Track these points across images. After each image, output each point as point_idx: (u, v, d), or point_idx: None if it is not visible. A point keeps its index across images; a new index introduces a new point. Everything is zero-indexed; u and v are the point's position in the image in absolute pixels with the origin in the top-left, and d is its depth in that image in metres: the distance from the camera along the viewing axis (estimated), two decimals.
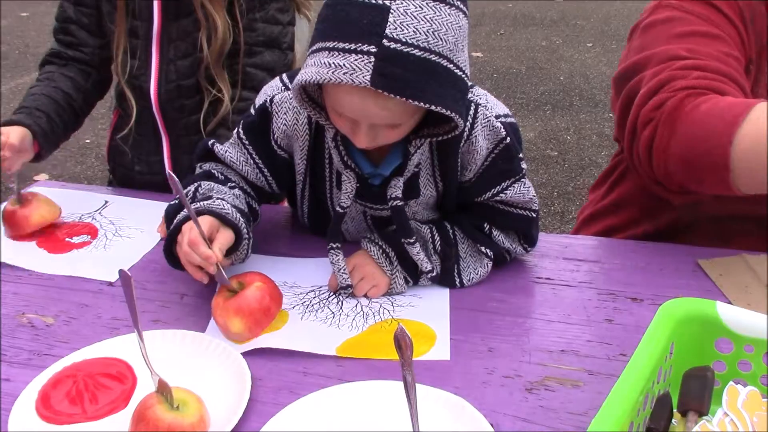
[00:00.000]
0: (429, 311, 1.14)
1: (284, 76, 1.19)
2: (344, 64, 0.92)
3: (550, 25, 6.49)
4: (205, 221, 1.07)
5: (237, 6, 1.47)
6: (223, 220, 1.10)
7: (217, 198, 1.13)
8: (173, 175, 1.05)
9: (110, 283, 1.23)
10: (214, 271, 1.07)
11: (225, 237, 1.09)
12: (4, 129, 1.39)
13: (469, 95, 1.11)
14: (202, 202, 1.12)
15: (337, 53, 0.93)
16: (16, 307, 1.16)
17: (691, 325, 0.92)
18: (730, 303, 1.16)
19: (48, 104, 1.49)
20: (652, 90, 1.19)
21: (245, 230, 1.13)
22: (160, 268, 1.26)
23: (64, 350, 1.05)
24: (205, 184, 1.18)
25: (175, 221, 1.12)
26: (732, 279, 1.22)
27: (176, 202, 1.18)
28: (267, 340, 1.06)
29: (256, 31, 1.50)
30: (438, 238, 1.19)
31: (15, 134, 1.39)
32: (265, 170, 1.23)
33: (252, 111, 1.20)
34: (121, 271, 0.86)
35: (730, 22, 1.25)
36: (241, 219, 1.12)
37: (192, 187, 1.19)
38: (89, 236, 1.39)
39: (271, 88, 1.18)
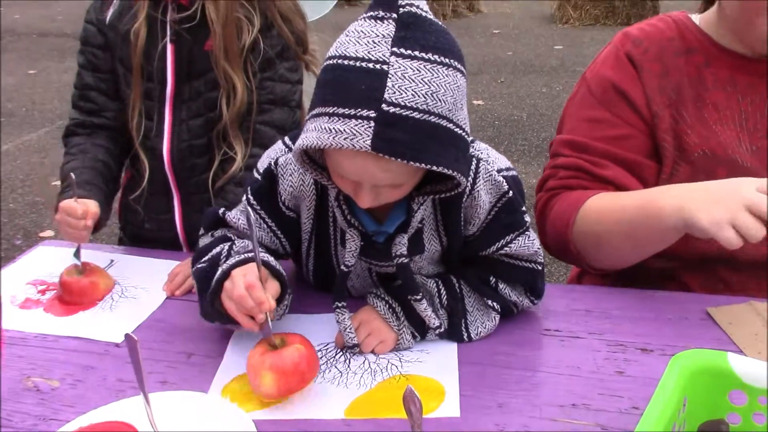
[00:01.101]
0: (437, 366, 1.13)
1: (287, 138, 1.20)
2: (345, 129, 0.93)
3: (550, 72, 6.57)
4: (249, 270, 1.07)
5: (250, 66, 1.50)
6: (272, 270, 1.10)
7: (261, 253, 1.13)
8: (249, 209, 1.05)
9: (116, 344, 1.22)
10: (263, 319, 1.05)
11: (274, 287, 1.09)
12: (82, 200, 1.40)
13: (471, 150, 1.11)
14: (245, 254, 1.11)
15: (337, 118, 0.94)
16: (21, 371, 1.16)
17: (703, 377, 0.91)
18: (740, 351, 1.15)
19: (94, 176, 1.51)
20: (538, 187, 1.48)
21: (287, 284, 1.13)
22: (168, 327, 1.26)
23: (70, 414, 1.04)
24: (239, 242, 1.18)
25: (222, 268, 1.10)
26: (742, 327, 1.21)
27: (204, 264, 1.16)
28: (276, 411, 1.05)
29: (266, 90, 1.53)
30: (444, 293, 1.18)
31: (94, 205, 1.41)
32: (278, 232, 1.23)
33: (257, 175, 1.20)
34: (126, 335, 0.85)
35: (627, 101, 1.39)
36: (283, 272, 1.12)
37: (224, 246, 1.17)
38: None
39: (275, 151, 1.19)
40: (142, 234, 1.66)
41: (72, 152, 1.58)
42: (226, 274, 1.08)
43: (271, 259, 1.12)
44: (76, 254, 1.40)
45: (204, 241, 1.25)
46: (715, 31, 1.40)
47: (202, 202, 1.57)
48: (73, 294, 1.37)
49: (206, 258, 1.17)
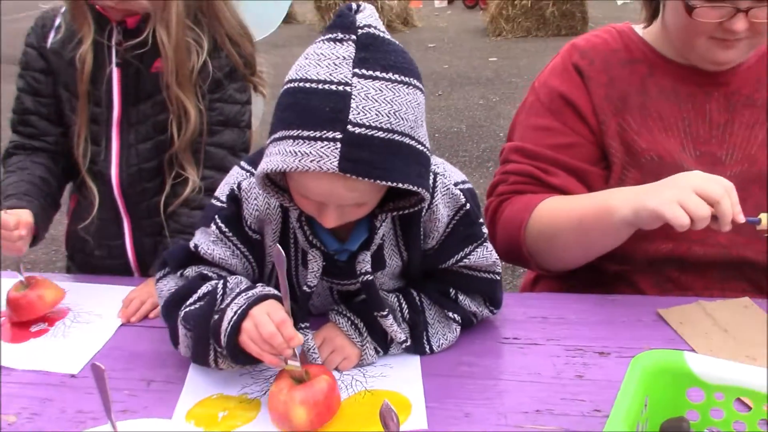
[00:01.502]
0: (402, 380, 1.14)
1: (244, 162, 1.19)
2: (311, 152, 0.94)
3: (486, 84, 6.68)
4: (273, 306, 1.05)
5: (199, 89, 1.49)
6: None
7: (260, 286, 1.11)
8: (280, 248, 1.02)
9: (73, 375, 1.19)
10: (290, 354, 1.03)
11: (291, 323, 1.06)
12: (13, 211, 1.36)
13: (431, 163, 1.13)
14: (251, 291, 1.09)
15: (302, 141, 0.95)
16: None
17: (663, 377, 0.94)
18: (692, 350, 1.19)
19: (32, 190, 1.47)
20: (488, 192, 1.51)
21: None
22: (125, 354, 1.24)
23: None
24: (233, 278, 1.15)
25: (234, 309, 1.06)
26: (692, 327, 1.25)
27: (197, 307, 1.12)
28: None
29: (216, 111, 1.52)
30: (406, 307, 1.19)
31: (27, 214, 1.37)
32: (250, 257, 1.20)
33: (220, 202, 1.17)
34: (93, 365, 0.84)
35: (574, 110, 1.44)
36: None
37: (216, 285, 1.13)
38: (46, 323, 1.36)
39: (234, 176, 1.17)
40: (92, 261, 1.62)
41: (10, 169, 1.54)
42: (245, 315, 1.05)
43: (278, 293, 1.09)
44: (17, 269, 1.36)
45: (174, 281, 1.19)
46: (658, 43, 1.46)
47: (153, 226, 1.54)
48: (22, 310, 1.33)
49: (194, 299, 1.13)
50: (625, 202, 1.26)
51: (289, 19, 9.26)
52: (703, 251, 1.38)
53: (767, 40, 1.37)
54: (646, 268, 1.41)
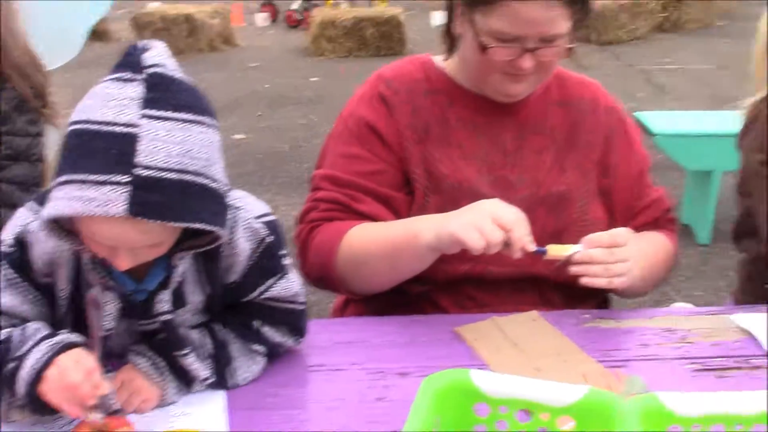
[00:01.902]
0: (205, 417, 1.12)
1: (32, 202, 1.13)
2: (97, 197, 0.92)
3: (308, 104, 6.73)
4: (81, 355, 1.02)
5: None
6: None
7: (64, 332, 1.06)
8: (96, 295, 0.98)
9: None
10: (93, 405, 1.00)
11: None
12: None
13: (227, 199, 1.13)
14: (56, 338, 1.04)
15: (88, 185, 0.92)
16: None
17: (451, 395, 0.99)
18: (487, 365, 1.27)
19: None
20: (299, 219, 1.53)
21: None
22: None
23: None
24: (32, 325, 1.09)
25: (38, 357, 1.02)
26: (486, 342, 1.33)
27: None
28: None
29: (5, 145, 1.44)
30: (209, 342, 1.19)
31: None
32: (44, 302, 1.14)
33: (7, 246, 1.11)
34: None
35: (380, 138, 1.50)
36: None
37: (10, 333, 1.07)
38: None
39: (22, 218, 1.11)
40: None
41: None
42: (49, 362, 1.01)
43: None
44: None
45: None
46: (457, 75, 1.55)
47: None
48: None
49: None
50: (429, 228, 1.34)
51: (102, 37, 8.88)
52: (498, 270, 1.48)
53: (549, 76, 1.51)
54: (447, 288, 1.49)
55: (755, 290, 1.69)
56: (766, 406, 0.99)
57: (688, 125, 3.93)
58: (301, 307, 1.25)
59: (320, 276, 1.47)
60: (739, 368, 1.28)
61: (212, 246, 1.08)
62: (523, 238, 1.28)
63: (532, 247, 1.29)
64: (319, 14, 8.87)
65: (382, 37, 8.65)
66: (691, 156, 3.88)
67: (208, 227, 0.99)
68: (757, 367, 1.29)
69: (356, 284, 1.46)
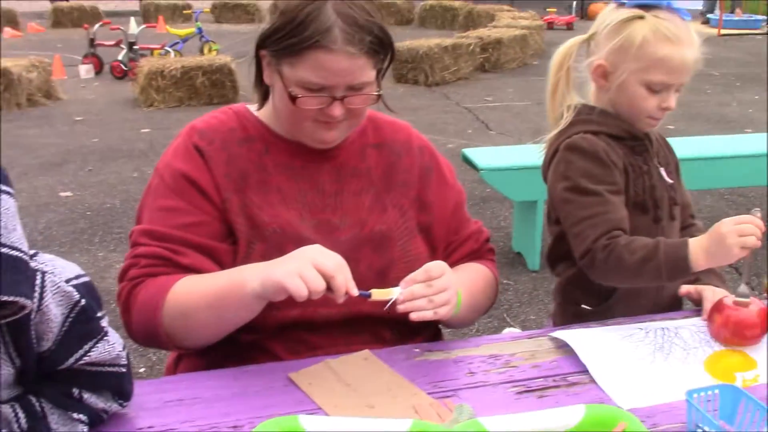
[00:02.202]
0: None
1: None
2: None
3: (140, 156, 6.54)
4: None
5: None
6: None
7: None
8: None
9: None
10: None
11: None
12: None
13: (34, 264, 1.08)
14: None
15: None
16: None
17: None
18: (321, 409, 1.27)
19: None
20: (120, 277, 1.49)
21: None
22: None
23: None
24: None
25: None
26: (319, 385, 1.34)
27: None
28: None
29: None
30: (23, 416, 1.11)
31: None
32: None
33: None
34: None
35: (198, 189, 1.49)
36: None
37: None
38: None
39: None
40: None
41: None
42: None
43: None
44: None
45: None
46: (272, 122, 1.57)
47: None
48: None
49: None
50: (254, 276, 1.34)
51: None
52: (328, 312, 1.49)
53: (361, 121, 1.56)
54: (278, 334, 1.49)
55: (568, 312, 1.81)
56: (578, 419, 1.07)
57: (511, 159, 4.15)
58: (124, 369, 1.21)
59: (147, 334, 1.43)
60: (557, 387, 1.36)
61: (18, 316, 1.02)
62: (347, 284, 1.31)
63: (356, 291, 1.32)
64: (146, 64, 8.65)
65: (214, 86, 8.57)
66: (515, 188, 4.11)
67: (9, 298, 0.94)
68: (574, 384, 1.37)
69: (185, 338, 1.43)
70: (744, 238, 1.44)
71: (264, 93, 1.56)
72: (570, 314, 1.79)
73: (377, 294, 1.37)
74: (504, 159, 4.18)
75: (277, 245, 1.47)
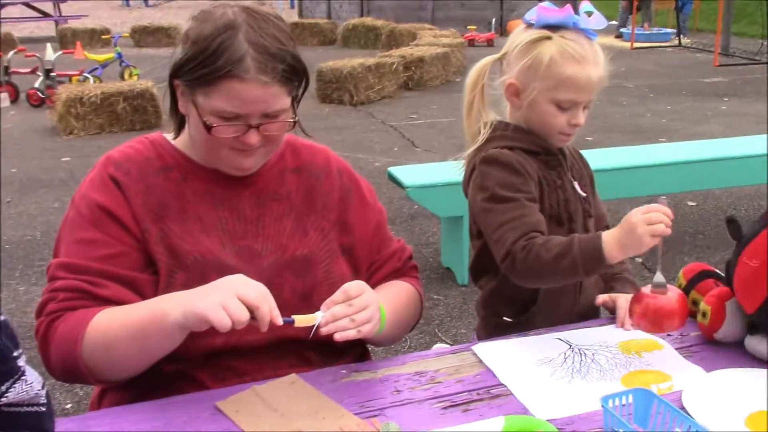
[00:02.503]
0: None
1: None
2: None
3: (60, 186, 6.37)
4: None
5: None
6: None
7: None
8: None
9: None
10: None
11: None
12: None
13: None
14: None
15: None
16: None
17: None
18: None
19: None
20: (38, 312, 1.46)
21: None
22: None
23: None
24: None
25: None
26: (247, 412, 1.34)
27: None
28: None
29: None
30: None
31: None
32: None
33: None
34: None
35: (115, 220, 1.48)
36: None
37: None
38: None
39: None
40: None
41: None
42: None
43: None
44: None
45: None
46: (189, 151, 1.57)
47: None
48: None
49: None
50: (176, 307, 1.34)
51: None
52: (254, 338, 1.49)
53: (279, 147, 1.58)
54: (203, 363, 1.48)
55: (491, 324, 1.86)
56: (500, 429, 1.10)
57: (436, 176, 4.21)
58: (44, 408, 1.18)
59: (66, 368, 1.41)
60: (481, 400, 1.40)
61: None
62: (271, 314, 1.32)
63: (280, 321, 1.34)
64: (64, 91, 8.44)
65: (136, 111, 8.43)
66: (441, 204, 4.17)
67: None
68: (497, 396, 1.41)
69: (106, 372, 1.42)
70: (653, 226, 1.47)
71: (180, 121, 1.56)
72: (492, 326, 1.84)
73: (300, 321, 1.38)
74: (429, 176, 4.23)
75: (199, 274, 1.46)
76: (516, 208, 1.67)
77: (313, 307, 1.45)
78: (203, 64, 1.40)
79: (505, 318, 1.82)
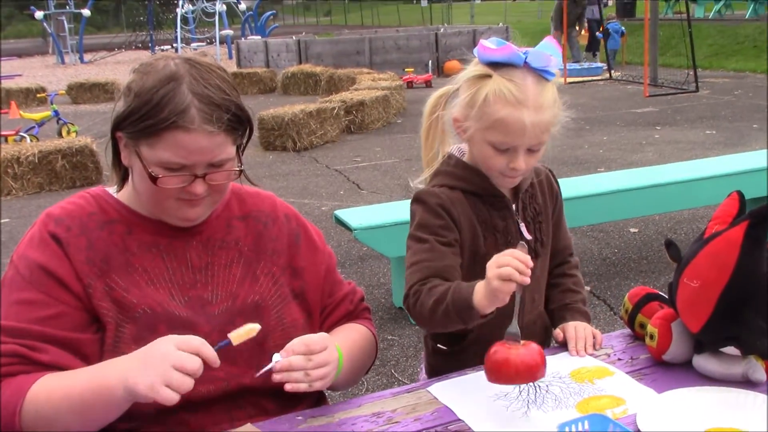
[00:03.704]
0: None
1: None
2: None
3: None
4: None
5: None
6: None
7: None
8: None
9: None
10: None
11: None
12: None
13: None
14: None
15: None
16: None
17: None
18: None
19: None
20: None
21: None
22: None
23: None
24: None
25: None
26: None
27: None
28: None
29: None
30: None
31: None
32: None
33: None
34: None
35: (55, 280, 1.44)
36: None
37: None
38: None
39: None
40: None
41: None
42: None
43: None
44: None
45: None
46: (133, 203, 1.55)
47: None
48: None
49: None
50: (119, 384, 1.31)
51: None
52: (206, 389, 1.47)
53: (224, 196, 1.57)
54: (156, 419, 1.45)
55: (430, 352, 1.88)
56: None
57: (382, 217, 4.23)
58: None
59: None
60: None
61: None
62: (211, 364, 1.32)
63: (217, 363, 1.33)
64: (0, 151, 8.29)
65: (75, 168, 8.30)
66: (389, 245, 4.18)
67: None
68: None
69: None
70: (500, 269, 1.40)
71: (123, 174, 1.54)
72: (431, 354, 1.86)
73: (237, 336, 1.38)
74: (375, 217, 4.25)
75: (149, 326, 1.44)
76: (425, 251, 1.67)
77: (266, 353, 1.44)
78: (147, 115, 1.39)
79: (440, 345, 1.83)
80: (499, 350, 1.41)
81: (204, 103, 1.39)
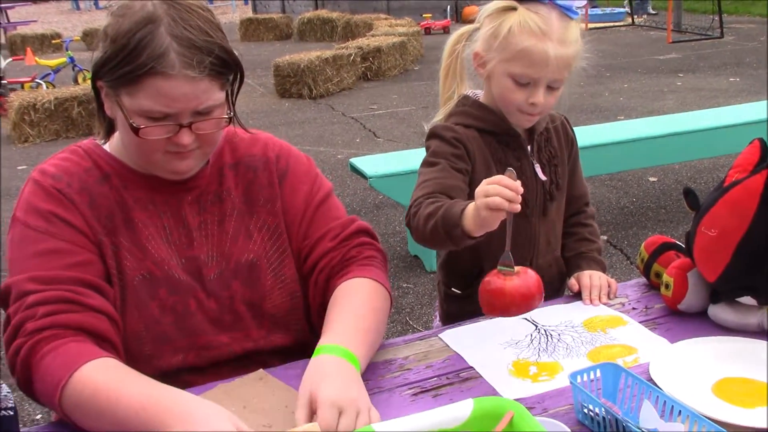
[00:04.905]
0: None
1: None
2: None
3: (18, 195, 6.24)
4: None
5: None
6: None
7: None
8: None
9: None
10: None
11: None
12: None
13: None
14: None
15: None
16: None
17: None
18: None
19: None
20: (10, 335, 1.31)
21: None
22: None
23: None
24: None
25: None
26: None
27: None
28: None
29: None
30: None
31: None
32: None
33: None
34: None
35: (73, 228, 1.38)
36: None
37: None
38: None
39: None
40: None
41: None
42: None
43: None
44: None
45: None
46: (124, 156, 1.46)
47: None
48: None
49: None
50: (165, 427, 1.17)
51: None
52: (210, 354, 1.48)
53: (217, 146, 1.47)
54: (163, 381, 1.32)
55: (443, 296, 1.88)
56: (468, 413, 1.10)
57: (398, 165, 4.21)
58: (11, 412, 1.15)
59: (49, 406, 1.30)
60: (451, 384, 1.39)
61: None
62: None
63: None
64: (16, 98, 8.28)
65: (92, 116, 8.23)
66: (404, 192, 4.13)
67: None
68: (467, 379, 1.41)
69: (80, 425, 1.27)
70: (487, 199, 1.34)
71: (108, 126, 1.44)
72: (444, 299, 1.85)
73: None
74: (391, 165, 4.23)
75: (150, 293, 1.42)
76: (436, 171, 1.65)
77: (267, 315, 1.45)
78: (124, 62, 1.29)
79: (453, 289, 1.82)
80: (493, 281, 1.38)
81: (184, 47, 1.29)
